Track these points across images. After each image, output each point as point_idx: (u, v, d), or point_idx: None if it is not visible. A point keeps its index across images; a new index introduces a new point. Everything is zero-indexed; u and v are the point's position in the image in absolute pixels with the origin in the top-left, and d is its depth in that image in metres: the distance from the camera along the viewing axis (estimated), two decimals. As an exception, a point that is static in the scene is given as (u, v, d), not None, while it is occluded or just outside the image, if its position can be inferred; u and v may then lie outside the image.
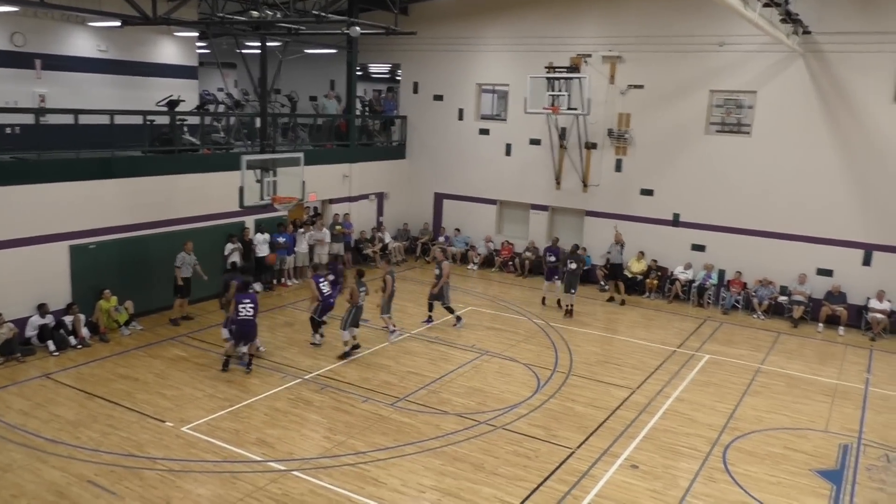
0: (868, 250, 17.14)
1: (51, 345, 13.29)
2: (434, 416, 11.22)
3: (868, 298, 17.01)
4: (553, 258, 17.20)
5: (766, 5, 13.09)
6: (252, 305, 12.39)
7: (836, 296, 17.20)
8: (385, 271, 14.69)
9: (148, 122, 16.01)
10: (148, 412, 10.97)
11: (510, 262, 21.15)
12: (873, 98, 16.54)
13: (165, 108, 16.56)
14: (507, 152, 21.41)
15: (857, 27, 16.32)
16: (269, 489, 8.95)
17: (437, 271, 15.62)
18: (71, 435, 10.18)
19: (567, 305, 16.79)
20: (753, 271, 18.20)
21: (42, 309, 13.42)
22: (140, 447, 9.89)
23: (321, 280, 14.02)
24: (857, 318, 17.01)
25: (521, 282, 20.39)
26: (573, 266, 16.61)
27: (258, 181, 13.74)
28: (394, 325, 14.78)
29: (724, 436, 10.97)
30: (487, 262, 21.55)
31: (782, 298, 17.73)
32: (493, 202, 22.09)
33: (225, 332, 13.43)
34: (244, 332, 12.37)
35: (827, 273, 17.54)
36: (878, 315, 16.67)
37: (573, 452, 10.22)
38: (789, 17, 14.98)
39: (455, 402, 11.82)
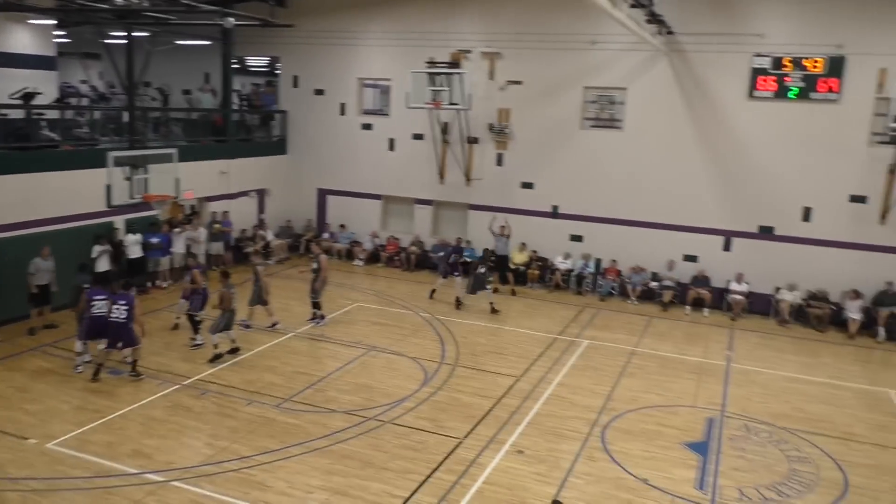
0: (728, 237, 18.28)
1: None
2: (321, 416, 11.08)
3: (728, 281, 18.05)
4: (452, 257, 17.36)
5: (632, 6, 13.70)
6: (126, 306, 11.72)
7: (700, 280, 18.17)
8: (255, 263, 14.70)
9: (0, 117, 14.73)
10: (8, 430, 10.18)
11: (396, 257, 21.08)
12: (730, 95, 17.58)
13: (20, 101, 15.31)
14: (391, 147, 21.34)
15: (713, 28, 17.35)
16: (146, 502, 8.53)
17: (314, 265, 15.39)
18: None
19: (491, 304, 17.06)
20: (627, 259, 18.91)
21: None
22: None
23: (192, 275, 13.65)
24: (720, 300, 18.00)
25: (407, 276, 20.36)
26: (483, 270, 16.93)
27: (127, 179, 13.07)
28: (271, 324, 14.55)
29: (602, 416, 11.42)
30: (373, 258, 21.45)
31: (653, 284, 18.54)
32: (377, 197, 21.97)
33: (79, 345, 12.33)
34: (95, 329, 11.77)
35: (692, 259, 18.55)
36: (738, 296, 17.73)
37: (461, 442, 10.35)
38: (654, 18, 15.77)
39: (342, 399, 11.72)
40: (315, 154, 22.36)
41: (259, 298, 14.64)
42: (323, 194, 22.66)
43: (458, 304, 16.92)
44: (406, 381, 12.55)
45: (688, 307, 17.99)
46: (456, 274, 17.11)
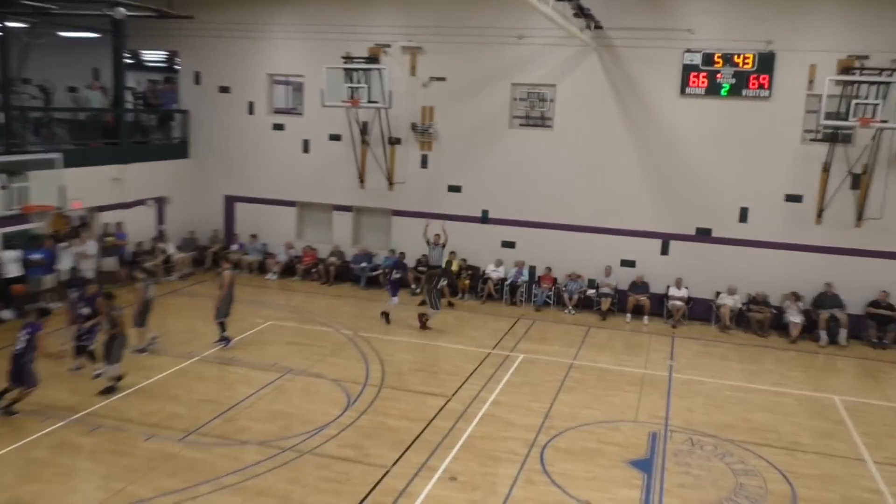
0: (665, 240, 18.57)
1: None
2: (232, 448, 10.63)
3: (668, 287, 18.37)
4: (399, 274, 17.07)
5: (558, -1, 13.64)
6: (27, 337, 11.00)
7: (639, 286, 18.38)
8: (141, 281, 14.18)
9: None
10: None
11: (313, 270, 20.70)
12: (661, 92, 17.90)
13: None
14: (305, 149, 20.96)
15: (643, 23, 17.64)
16: (25, 559, 7.84)
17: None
18: None
19: (424, 318, 16.80)
20: (563, 266, 19.00)
21: None
22: None
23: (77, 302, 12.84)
24: (660, 306, 18.25)
25: (326, 290, 19.99)
26: (444, 283, 17.02)
27: (3, 187, 12.18)
28: (150, 341, 14.19)
29: (540, 436, 11.32)
30: (288, 271, 20.96)
31: (591, 291, 18.72)
32: (291, 204, 21.51)
33: None
34: None
35: (630, 264, 18.71)
36: (678, 302, 18.06)
37: (388, 470, 10.10)
38: (581, 12, 16.01)
39: (256, 429, 11.28)
40: (221, 157, 21.77)
41: (140, 318, 14.01)
42: (231, 202, 22.06)
43: (387, 319, 16.74)
44: (327, 405, 12.21)
45: (628, 315, 18.22)
46: (394, 294, 16.90)
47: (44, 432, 10.86)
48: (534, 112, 19.08)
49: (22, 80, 18.76)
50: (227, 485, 9.59)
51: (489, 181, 19.39)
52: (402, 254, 18.47)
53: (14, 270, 15.95)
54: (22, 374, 11.00)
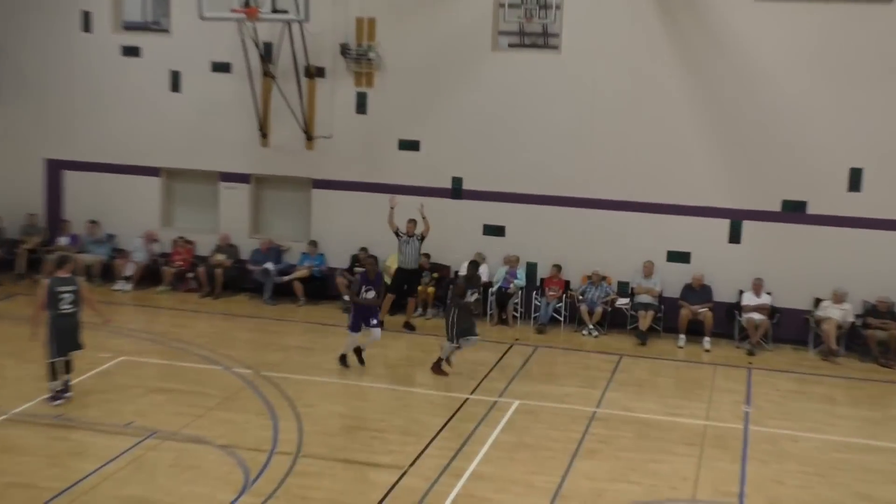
0: (735, 220, 16.05)
1: None
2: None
3: (741, 292, 15.86)
4: (373, 291, 14.57)
5: None
6: None
7: (697, 291, 15.89)
8: None
9: None
10: None
11: (189, 275, 18.06)
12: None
13: None
14: (174, 86, 18.14)
15: None
16: None
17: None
18: None
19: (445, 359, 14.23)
20: (578, 263, 16.64)
21: None
22: None
23: None
24: (729, 322, 15.93)
25: (210, 306, 17.44)
26: (474, 298, 14.36)
27: None
28: None
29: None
30: (150, 277, 18.37)
31: (622, 301, 16.30)
32: (153, 172, 18.59)
33: None
34: None
35: (682, 258, 16.28)
36: (756, 315, 15.55)
37: None
38: None
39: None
40: (39, 103, 19.01)
41: None
42: (55, 169, 19.08)
43: (355, 359, 14.46)
44: (213, 486, 10.33)
45: (680, 336, 15.72)
46: (374, 323, 14.40)
47: None
48: (531, 26, 17.08)
49: None
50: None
51: (463, 135, 16.99)
52: (371, 257, 15.36)
53: None
54: None
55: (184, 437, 11.52)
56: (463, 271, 16.37)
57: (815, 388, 14.25)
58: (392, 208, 15.88)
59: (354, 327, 13.57)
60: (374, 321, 13.79)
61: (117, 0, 18.39)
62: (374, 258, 14.88)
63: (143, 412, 12.22)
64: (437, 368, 14.01)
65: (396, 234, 16.14)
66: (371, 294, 13.63)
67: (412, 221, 16.09)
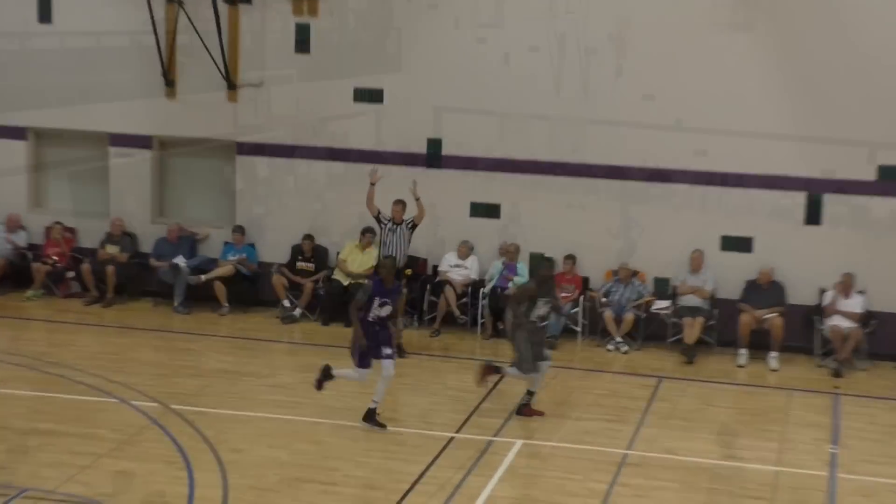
0: (814, 193, 13.01)
1: None
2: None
3: (822, 291, 12.94)
4: (389, 306, 11.67)
5: None
6: None
7: (763, 290, 13.03)
8: None
9: None
10: None
11: (70, 274, 15.24)
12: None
13: None
14: (44, 16, 14.77)
15: None
16: None
17: None
18: None
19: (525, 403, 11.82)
20: (599, 254, 13.88)
21: None
22: None
23: None
24: (806, 332, 13.00)
25: (98, 316, 14.79)
26: (542, 312, 11.50)
27: None
28: None
29: None
30: (16, 277, 15.45)
31: (660, 304, 13.33)
32: (18, 134, 15.45)
33: None
34: None
35: (741, 246, 13.31)
36: (844, 323, 12.68)
37: None
38: None
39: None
40: None
41: None
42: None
43: (375, 419, 11.64)
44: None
45: (741, 352, 12.85)
46: (388, 352, 11.39)
47: None
48: None
49: None
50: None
51: (442, 82, 14.03)
52: (388, 258, 12.77)
53: None
54: None
55: (63, 497, 8.95)
56: (443, 265, 14.06)
57: (927, 421, 11.77)
58: (372, 184, 12.76)
59: (364, 361, 10.38)
60: (388, 350, 10.66)
61: None
62: (392, 259, 12.11)
63: (7, 463, 9.69)
64: (528, 410, 11.20)
65: (378, 219, 13.18)
66: (386, 310, 10.55)
67: (400, 203, 12.94)
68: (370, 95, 14.15)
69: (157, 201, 15.43)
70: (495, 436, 10.45)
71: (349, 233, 14.14)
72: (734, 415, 11.74)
